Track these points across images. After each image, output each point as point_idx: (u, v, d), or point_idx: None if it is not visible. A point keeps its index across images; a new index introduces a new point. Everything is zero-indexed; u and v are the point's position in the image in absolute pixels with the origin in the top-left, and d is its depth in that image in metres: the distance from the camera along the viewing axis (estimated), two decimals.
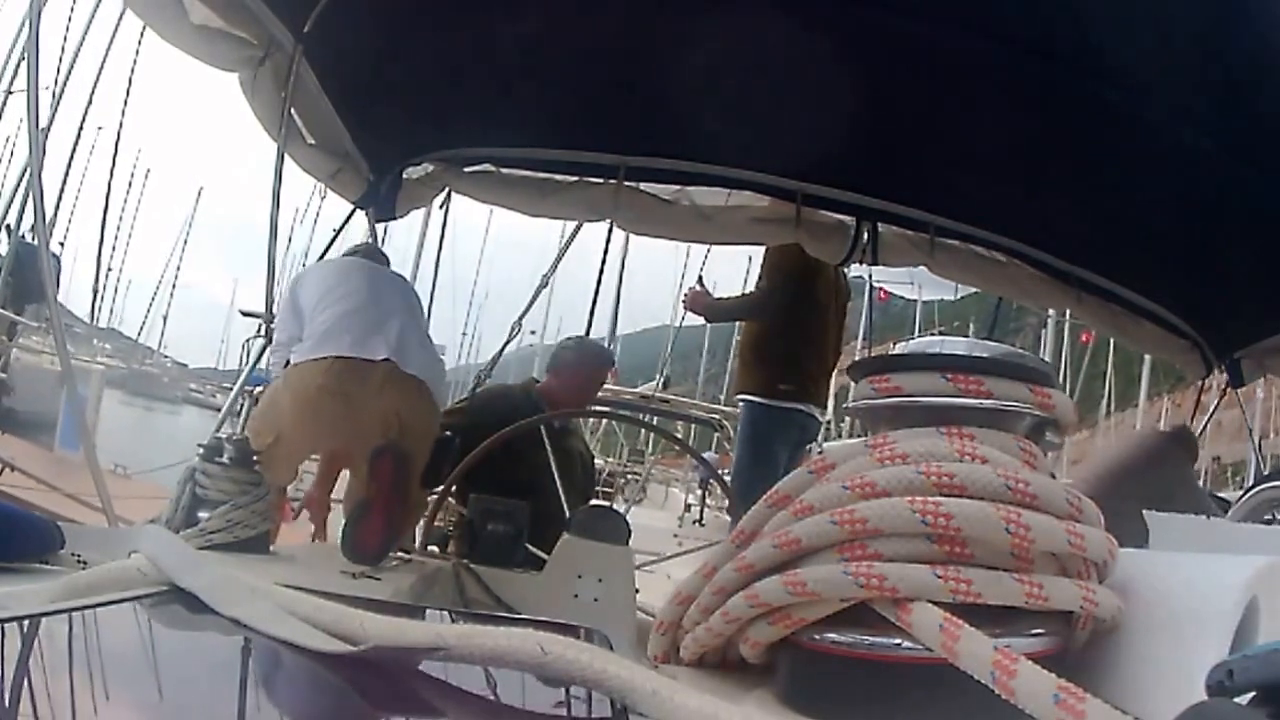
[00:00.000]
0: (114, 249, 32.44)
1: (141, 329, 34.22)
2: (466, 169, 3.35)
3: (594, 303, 12.27)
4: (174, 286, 36.50)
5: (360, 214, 3.28)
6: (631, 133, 3.20)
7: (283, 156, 2.67)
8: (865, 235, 3.40)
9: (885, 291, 19.85)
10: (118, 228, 32.82)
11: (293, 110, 2.62)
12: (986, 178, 2.99)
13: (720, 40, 2.50)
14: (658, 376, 10.97)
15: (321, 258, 3.22)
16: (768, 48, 2.57)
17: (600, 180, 3.34)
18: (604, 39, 2.71)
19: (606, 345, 16.59)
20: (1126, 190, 2.69)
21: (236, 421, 3.44)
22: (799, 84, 2.68)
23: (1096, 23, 2.03)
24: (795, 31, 2.44)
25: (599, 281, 12.03)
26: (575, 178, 3.36)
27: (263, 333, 2.81)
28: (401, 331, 2.41)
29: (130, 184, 34.97)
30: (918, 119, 2.79)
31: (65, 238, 27.44)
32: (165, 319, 35.02)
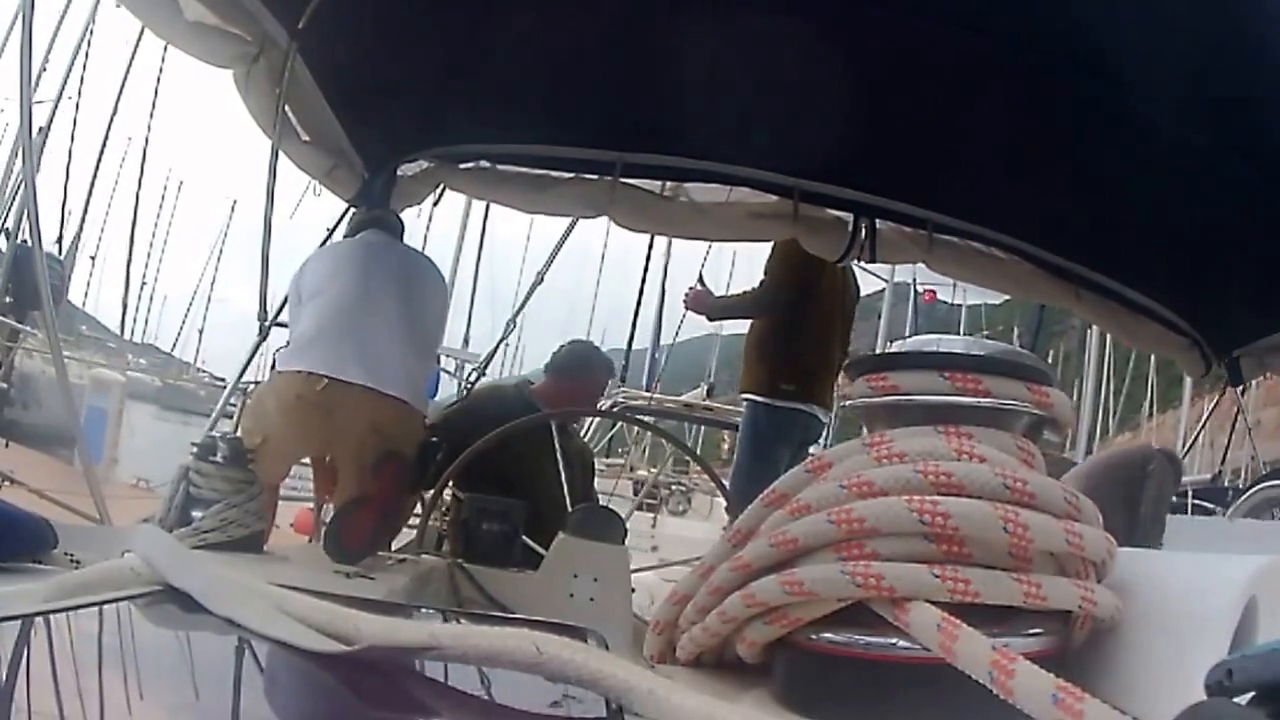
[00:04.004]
0: (147, 262, 32.59)
1: (175, 343, 34.27)
2: (461, 165, 3.34)
3: (636, 312, 12.32)
4: (209, 300, 36.23)
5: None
6: (628, 129, 3.19)
7: (277, 154, 2.66)
8: (863, 231, 3.39)
9: (930, 294, 19.75)
10: (150, 241, 32.94)
11: (287, 107, 2.61)
12: (985, 174, 2.98)
13: (716, 36, 2.50)
14: (702, 385, 10.89)
15: None
16: (764, 43, 2.57)
17: (596, 176, 3.33)
18: (600, 35, 2.70)
19: (650, 355, 16.32)
20: (1126, 187, 2.69)
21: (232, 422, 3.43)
22: (796, 80, 2.67)
23: (1096, 20, 2.03)
24: (792, 27, 2.43)
25: (641, 291, 12.10)
26: (571, 174, 3.35)
27: (260, 332, 2.80)
28: (384, 349, 2.39)
29: (163, 196, 34.97)
30: (916, 115, 2.78)
31: (97, 250, 27.54)
32: (201, 333, 34.85)
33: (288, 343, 2.57)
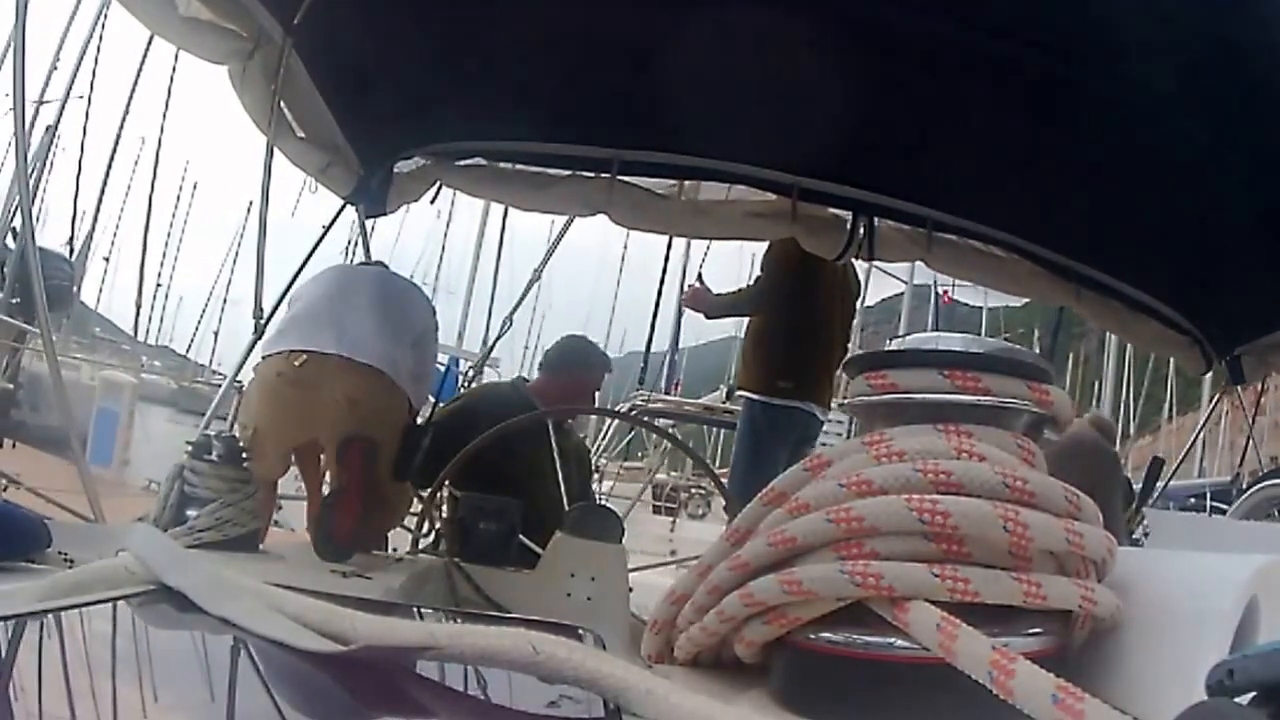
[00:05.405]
0: (162, 264, 32.56)
1: (190, 345, 34.08)
2: (458, 163, 3.33)
3: (654, 315, 12.25)
4: (224, 302, 35.78)
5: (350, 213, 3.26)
6: (625, 126, 3.19)
7: (272, 151, 2.65)
8: (862, 230, 3.39)
9: (949, 296, 19.72)
10: (165, 242, 32.89)
11: (282, 104, 2.60)
12: (985, 172, 2.98)
13: (714, 33, 2.49)
14: (721, 387, 10.91)
15: (310, 256, 3.19)
16: (762, 41, 2.56)
17: (593, 174, 3.32)
18: (597, 32, 2.69)
19: (669, 357, 16.20)
20: (1126, 185, 2.68)
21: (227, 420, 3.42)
22: (795, 78, 2.66)
23: (1094, 15, 2.02)
24: (790, 25, 2.42)
25: (659, 294, 12.05)
26: (569, 172, 3.34)
27: (255, 330, 2.79)
28: (358, 325, 2.38)
29: (178, 197, 34.84)
30: (915, 113, 2.78)
31: (111, 251, 27.52)
32: (216, 335, 34.49)
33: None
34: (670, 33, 2.54)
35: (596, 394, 3.54)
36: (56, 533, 1.10)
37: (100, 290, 29.04)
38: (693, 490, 10.14)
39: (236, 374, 3.02)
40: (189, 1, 2.20)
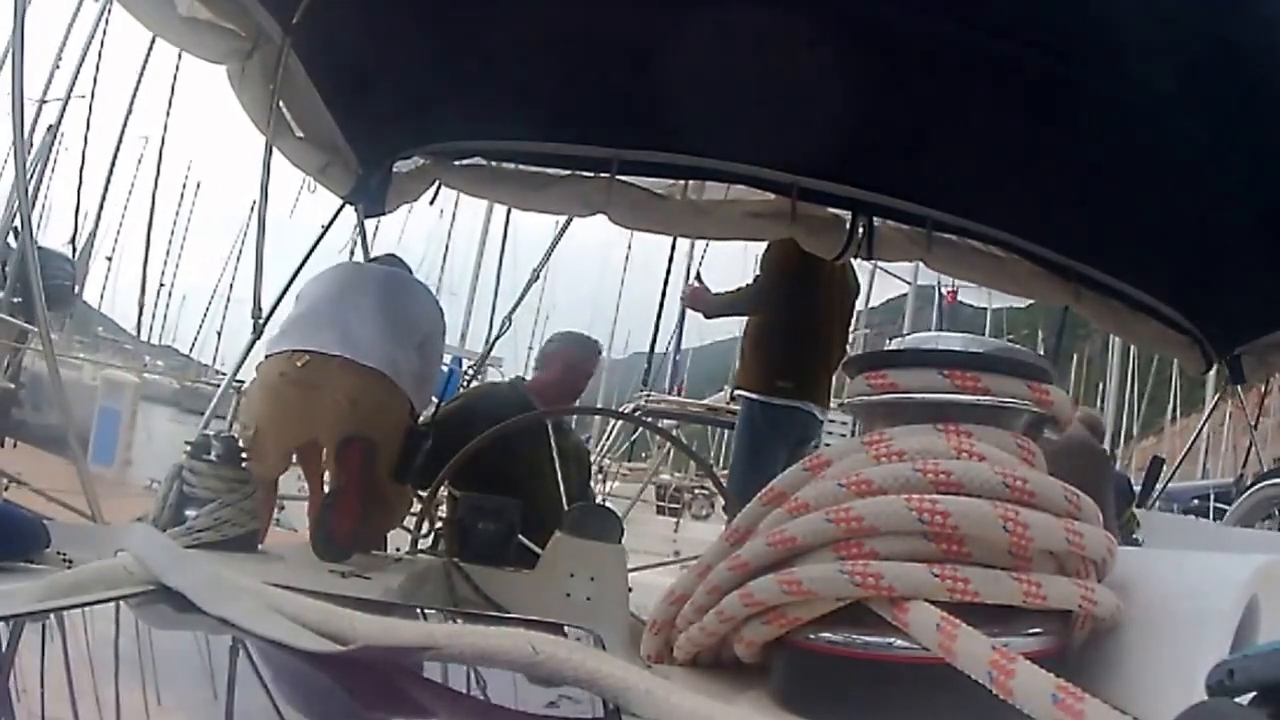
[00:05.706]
0: (165, 264, 32.65)
1: (193, 344, 34.05)
2: (457, 162, 3.33)
3: (658, 316, 12.26)
4: (228, 301, 35.58)
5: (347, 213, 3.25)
6: (625, 126, 3.18)
7: (271, 150, 2.64)
8: (861, 230, 3.39)
9: (952, 294, 19.66)
10: (168, 242, 32.96)
11: (281, 103, 2.59)
12: (984, 172, 2.98)
13: (713, 33, 2.48)
14: (726, 388, 10.98)
15: (308, 256, 3.19)
16: (761, 40, 2.56)
17: (592, 174, 3.32)
18: (597, 32, 2.69)
19: (672, 358, 16.23)
20: (1126, 184, 2.68)
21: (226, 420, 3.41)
22: (794, 78, 2.66)
23: (1094, 15, 2.02)
24: (789, 24, 2.42)
25: (663, 295, 12.07)
26: (568, 172, 3.34)
27: (254, 330, 2.78)
28: (360, 325, 2.38)
29: (181, 196, 34.88)
30: (914, 113, 2.78)
31: (114, 250, 27.65)
32: (219, 334, 34.35)
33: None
34: (670, 33, 2.54)
35: (589, 380, 3.54)
36: (55, 533, 1.10)
37: (103, 290, 29.16)
38: (696, 491, 10.15)
39: (235, 373, 3.02)
40: (188, 1, 2.19)
